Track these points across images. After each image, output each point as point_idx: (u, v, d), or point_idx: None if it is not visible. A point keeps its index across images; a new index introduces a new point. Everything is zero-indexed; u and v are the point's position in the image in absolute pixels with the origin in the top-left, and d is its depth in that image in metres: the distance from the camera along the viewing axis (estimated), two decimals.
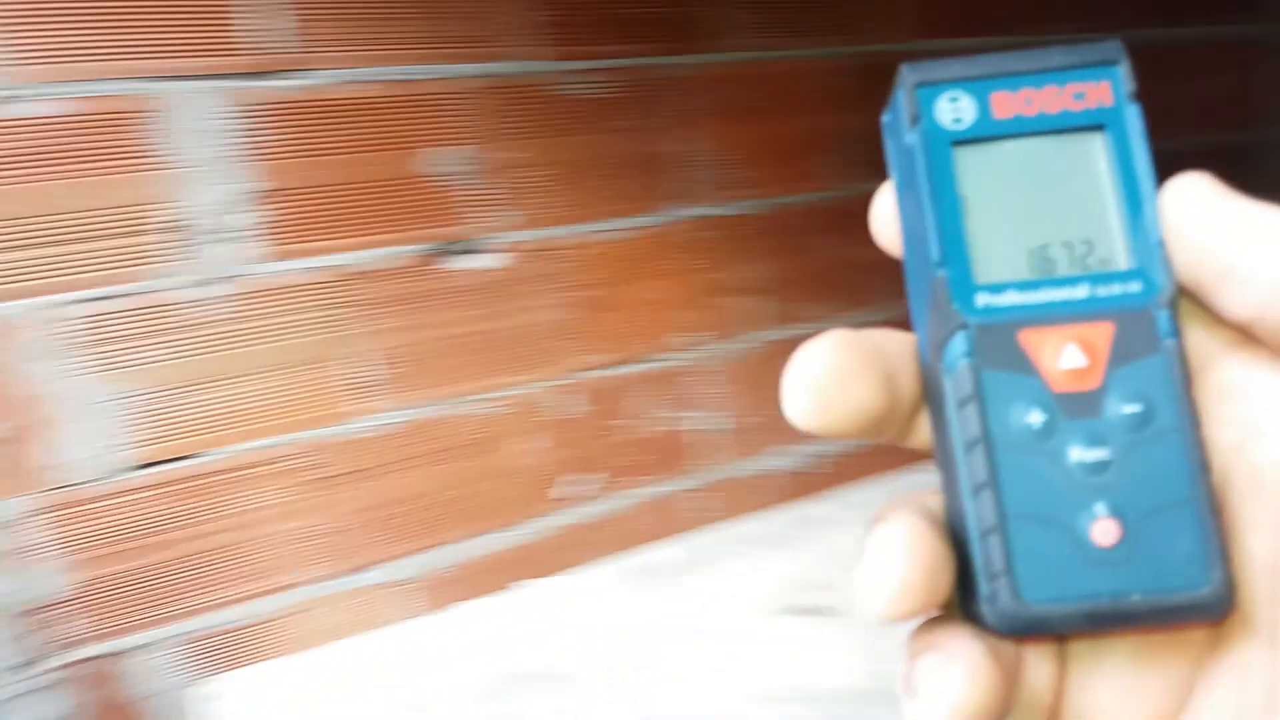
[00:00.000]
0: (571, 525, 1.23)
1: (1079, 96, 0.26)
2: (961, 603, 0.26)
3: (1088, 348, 0.25)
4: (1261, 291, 0.23)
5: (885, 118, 0.28)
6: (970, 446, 0.25)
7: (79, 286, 0.94)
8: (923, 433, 0.28)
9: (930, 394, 0.27)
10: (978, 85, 0.26)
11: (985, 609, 0.24)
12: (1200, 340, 0.26)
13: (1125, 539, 0.24)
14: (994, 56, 0.26)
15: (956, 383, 0.25)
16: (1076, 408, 0.25)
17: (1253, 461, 0.24)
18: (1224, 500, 0.25)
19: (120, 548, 1.03)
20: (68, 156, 0.91)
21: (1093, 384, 0.25)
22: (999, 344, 0.25)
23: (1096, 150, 0.26)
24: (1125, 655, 0.26)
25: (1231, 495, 0.25)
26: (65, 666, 1.05)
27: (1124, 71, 0.26)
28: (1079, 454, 0.24)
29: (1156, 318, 0.25)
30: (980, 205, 0.26)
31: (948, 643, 0.25)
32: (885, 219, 0.28)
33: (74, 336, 0.95)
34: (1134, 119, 0.26)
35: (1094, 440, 0.25)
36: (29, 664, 1.04)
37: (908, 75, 0.26)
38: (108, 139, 0.92)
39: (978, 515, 0.25)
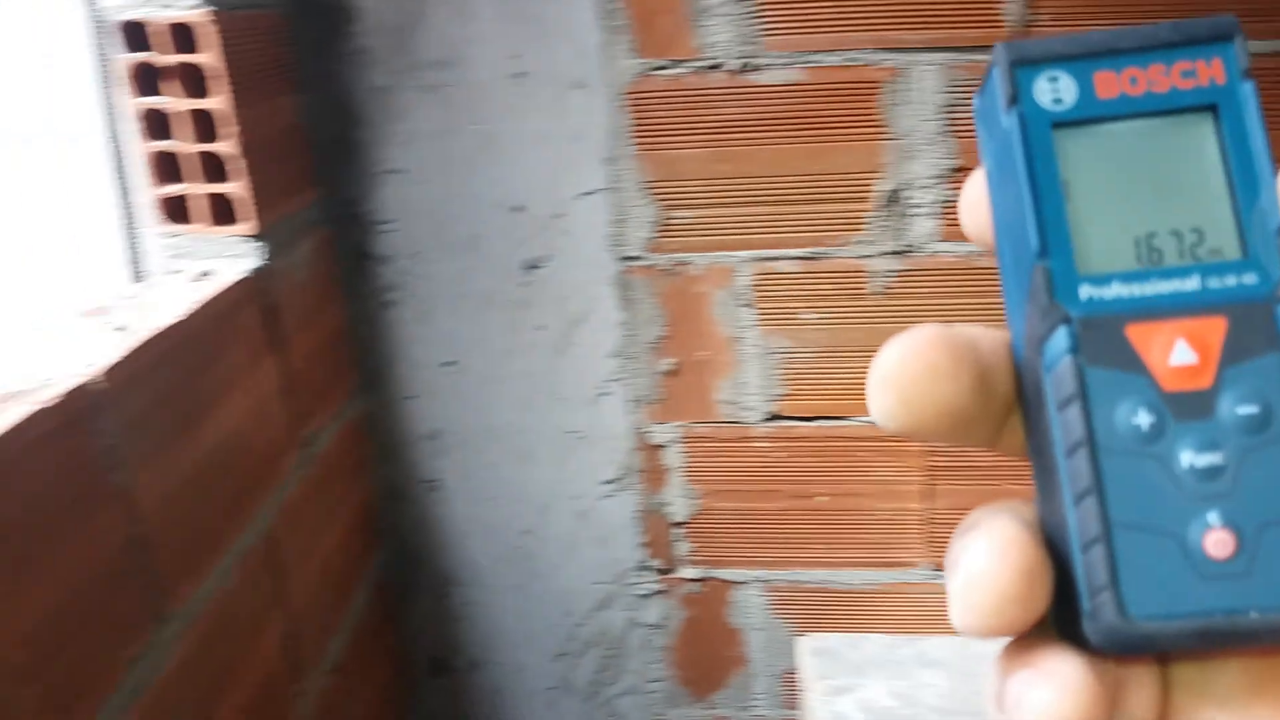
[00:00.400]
0: None
1: (1188, 75, 0.24)
2: (1055, 620, 0.24)
3: (1199, 343, 0.23)
4: None
5: (977, 101, 0.26)
6: (1072, 450, 0.23)
7: (792, 244, 0.97)
8: (1016, 436, 0.25)
9: (1027, 394, 0.25)
10: (1079, 64, 0.24)
11: (1088, 625, 0.22)
12: None
13: (1241, 551, 0.22)
14: (1098, 33, 0.24)
15: (1058, 381, 0.23)
16: (1188, 408, 0.23)
17: None
18: None
19: (742, 487, 1.09)
20: (802, 122, 0.92)
21: (1205, 383, 0.23)
22: (1104, 339, 0.23)
23: (1208, 132, 0.24)
24: (1238, 679, 0.24)
25: None
26: (677, 581, 1.14)
27: (1238, 47, 0.24)
28: (1190, 458, 0.23)
29: (1275, 312, 0.23)
30: (1083, 191, 0.24)
31: (1045, 660, 0.23)
32: (974, 206, 0.26)
33: (772, 289, 0.99)
34: (1249, 98, 0.24)
35: (1207, 444, 0.23)
36: (644, 569, 1.14)
37: (1003, 54, 0.24)
38: (839, 107, 0.92)
39: (1080, 524, 0.23)
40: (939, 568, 1.11)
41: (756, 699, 1.18)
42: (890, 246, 0.97)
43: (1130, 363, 0.23)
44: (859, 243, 0.97)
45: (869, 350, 1.03)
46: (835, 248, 0.98)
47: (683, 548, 1.13)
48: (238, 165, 0.75)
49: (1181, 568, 0.22)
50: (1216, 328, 0.23)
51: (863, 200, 0.96)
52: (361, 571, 1.06)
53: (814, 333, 1.02)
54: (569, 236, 1.01)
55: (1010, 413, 0.25)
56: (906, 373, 0.24)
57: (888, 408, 0.24)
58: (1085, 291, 0.24)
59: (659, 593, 1.15)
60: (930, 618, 1.12)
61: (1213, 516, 0.22)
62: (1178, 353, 0.23)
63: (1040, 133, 0.24)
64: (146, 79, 0.74)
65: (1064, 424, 0.23)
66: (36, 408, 0.55)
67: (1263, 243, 0.23)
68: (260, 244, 0.80)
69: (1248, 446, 0.23)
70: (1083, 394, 0.23)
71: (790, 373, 1.04)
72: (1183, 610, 0.22)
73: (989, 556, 0.23)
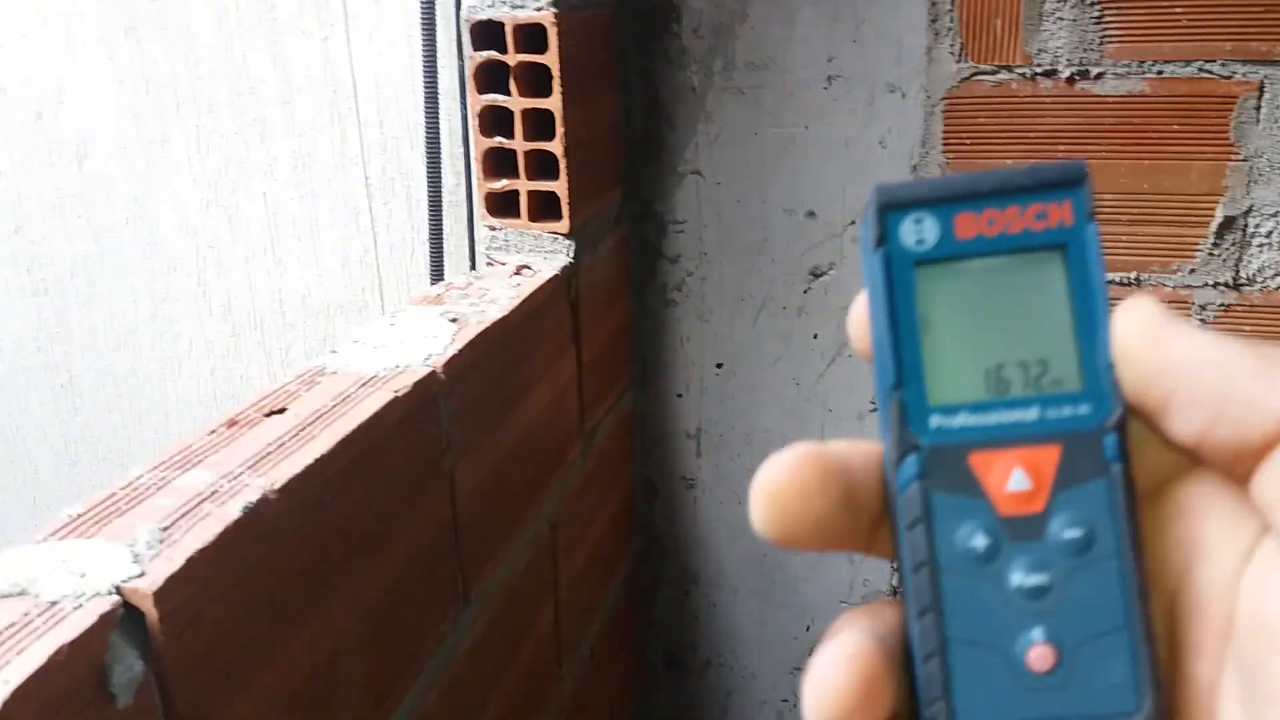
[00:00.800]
0: None
1: (1041, 216, 0.26)
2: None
3: (1034, 470, 0.25)
4: (1202, 416, 0.23)
5: (860, 231, 0.27)
6: (917, 568, 0.25)
7: (1109, 268, 0.91)
8: (887, 544, 0.26)
9: (888, 510, 0.26)
10: (942, 208, 0.26)
11: None
12: (1156, 461, 0.25)
13: (1061, 664, 0.24)
14: (963, 176, 0.26)
15: (907, 504, 0.25)
16: (1021, 531, 0.25)
17: (1197, 585, 0.24)
18: (1172, 622, 0.25)
19: None
20: (1137, 136, 0.85)
21: (1037, 507, 0.25)
22: (949, 466, 0.25)
23: (1056, 270, 0.26)
24: None
25: (1179, 618, 0.24)
26: None
27: (1086, 192, 0.26)
28: (1020, 579, 0.25)
29: (1103, 441, 0.25)
30: (939, 326, 0.26)
31: None
32: (859, 327, 0.27)
33: None
34: (1092, 239, 0.26)
35: (1035, 565, 0.25)
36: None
37: (875, 197, 0.26)
38: (1183, 122, 0.85)
39: (920, 639, 0.25)
40: None
41: None
42: (1222, 278, 0.89)
43: (971, 489, 0.25)
44: (1187, 271, 0.89)
45: None
46: (1158, 274, 0.90)
47: None
48: (563, 164, 0.76)
49: (1007, 680, 0.24)
50: (1050, 456, 0.25)
51: (1196, 225, 0.87)
52: (618, 562, 1.07)
53: None
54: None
55: (880, 523, 0.26)
56: (779, 489, 0.25)
57: (763, 520, 0.26)
58: (935, 421, 0.25)
59: None
60: None
61: (1037, 633, 0.24)
62: (1014, 479, 0.25)
63: (903, 271, 0.26)
64: (490, 77, 0.76)
65: (910, 544, 0.25)
66: (394, 395, 0.58)
67: (1097, 376, 0.25)
68: (571, 241, 0.81)
69: (1071, 568, 0.24)
70: (928, 517, 0.25)
71: None
72: (1006, 719, 0.24)
73: (834, 666, 0.24)
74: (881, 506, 0.26)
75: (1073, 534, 0.25)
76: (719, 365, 1.06)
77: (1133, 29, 0.83)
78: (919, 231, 0.26)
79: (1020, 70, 0.86)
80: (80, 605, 0.40)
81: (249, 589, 0.47)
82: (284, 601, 0.50)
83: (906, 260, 0.26)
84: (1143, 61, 0.83)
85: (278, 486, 0.48)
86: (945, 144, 0.91)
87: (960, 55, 0.87)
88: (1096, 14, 0.83)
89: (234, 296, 1.32)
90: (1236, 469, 0.23)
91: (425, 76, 1.02)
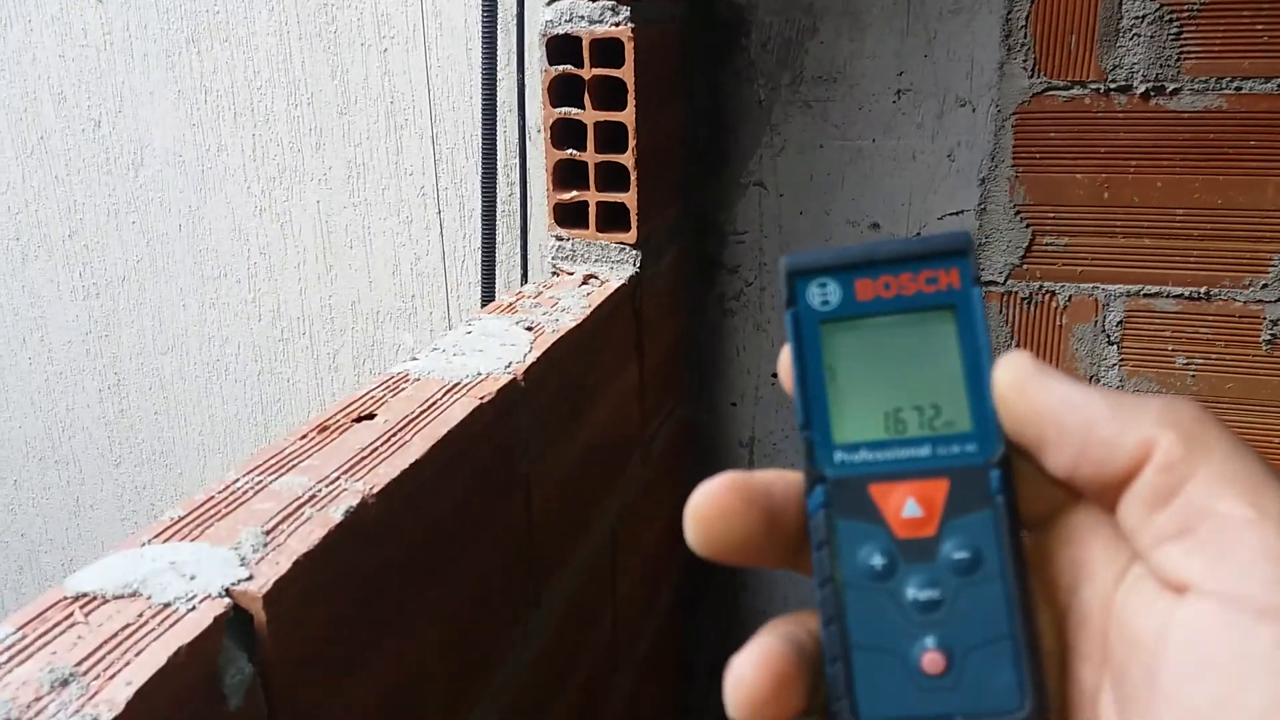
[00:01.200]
0: None
1: (931, 281, 0.29)
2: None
3: (925, 501, 0.28)
4: (1070, 455, 0.26)
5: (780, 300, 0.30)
6: (824, 583, 0.28)
7: (1178, 282, 0.90)
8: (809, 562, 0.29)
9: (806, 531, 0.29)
10: (843, 274, 0.29)
11: None
12: (1048, 494, 0.28)
13: (951, 668, 0.27)
14: (861, 247, 0.29)
15: (814, 528, 0.28)
16: (915, 553, 0.28)
17: (1083, 602, 0.27)
18: (1063, 635, 0.28)
19: None
20: (1213, 151, 0.85)
21: (929, 532, 0.28)
22: (851, 496, 0.28)
23: (946, 327, 0.29)
24: None
25: (1068, 629, 0.28)
26: None
27: (970, 260, 0.29)
28: (914, 593, 0.27)
29: (989, 476, 0.28)
30: (843, 374, 0.29)
31: None
32: (785, 373, 0.30)
33: (1146, 327, 0.92)
34: (977, 300, 0.29)
35: (928, 582, 0.27)
36: None
37: (785, 265, 0.30)
38: (1261, 137, 0.84)
39: (827, 644, 0.28)
40: None
41: None
42: None
43: (871, 515, 0.28)
44: (1259, 286, 0.88)
45: (1247, 404, 0.94)
46: (1228, 289, 0.89)
47: None
48: (634, 176, 0.76)
49: (903, 681, 0.27)
50: (940, 488, 0.28)
51: (1270, 240, 0.87)
52: (669, 570, 1.07)
53: (1186, 378, 0.94)
54: None
55: (801, 543, 0.29)
56: (705, 512, 0.29)
57: (692, 537, 0.29)
58: (839, 456, 0.29)
59: None
60: None
61: (930, 640, 0.27)
62: (908, 508, 0.28)
63: (811, 328, 0.29)
64: (562, 90, 0.76)
65: (818, 562, 0.28)
66: (479, 401, 0.58)
67: (983, 419, 0.28)
68: (638, 251, 0.81)
69: (960, 585, 0.27)
70: (832, 539, 0.28)
71: None
72: (902, 715, 0.27)
73: (749, 665, 0.27)
74: (804, 529, 0.29)
75: (961, 555, 0.28)
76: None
77: (1211, 46, 0.83)
78: (824, 294, 0.29)
79: (1094, 86, 0.85)
80: (194, 607, 0.41)
81: (347, 593, 0.47)
82: (377, 606, 0.50)
83: (813, 319, 0.29)
84: (1221, 78, 0.83)
85: (376, 490, 0.49)
86: (1015, 158, 0.90)
87: (1033, 70, 0.87)
88: (1175, 31, 0.82)
89: (283, 302, 1.33)
90: (1105, 500, 0.27)
91: (484, 88, 1.02)
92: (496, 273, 1.10)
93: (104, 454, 1.55)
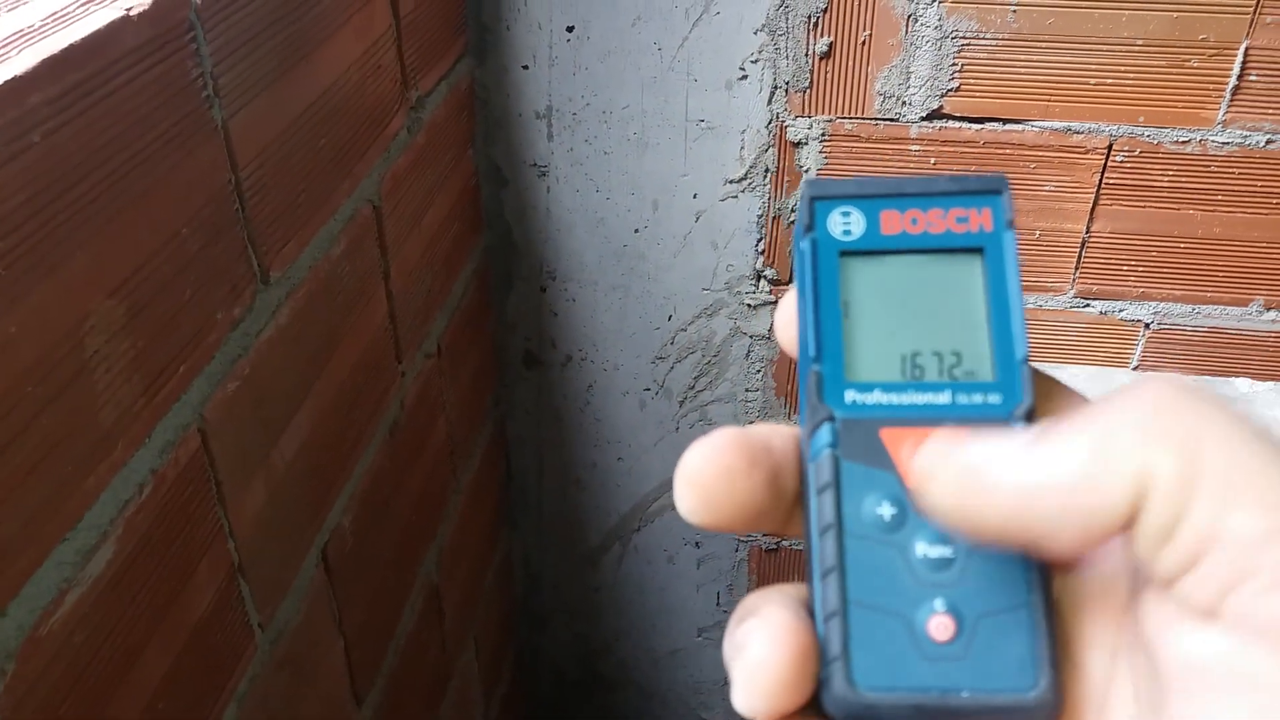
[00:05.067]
0: None
1: (961, 220, 0.27)
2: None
3: None
4: (1069, 542, 0.23)
5: (796, 229, 0.28)
6: (824, 531, 0.25)
7: None
8: (800, 525, 0.27)
9: (802, 484, 0.27)
10: (869, 203, 0.27)
11: (822, 691, 0.24)
12: None
13: (960, 636, 0.24)
14: (889, 179, 0.27)
15: (818, 470, 0.26)
16: None
17: (1098, 579, 0.24)
18: (1068, 616, 0.25)
19: None
20: None
21: None
22: (861, 438, 0.26)
23: (974, 271, 0.27)
24: None
25: (1077, 611, 0.25)
26: (786, 291, 1.06)
27: (1005, 200, 0.27)
28: (924, 549, 0.25)
29: (1013, 429, 0.25)
30: (860, 310, 0.27)
31: None
32: (786, 323, 0.28)
33: None
34: (1010, 244, 0.27)
35: (940, 538, 0.25)
36: (758, 278, 1.06)
37: (806, 189, 0.28)
38: None
39: (823, 599, 0.25)
40: (1087, 294, 1.01)
41: None
42: None
43: (881, 461, 0.26)
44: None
45: (1076, 42, 0.88)
46: None
47: None
48: None
49: (906, 646, 0.24)
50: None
51: None
52: (464, 256, 0.99)
53: (1010, 14, 0.87)
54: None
55: (798, 505, 0.27)
56: (706, 474, 0.26)
57: (690, 507, 0.26)
58: (850, 396, 0.26)
59: (769, 303, 1.07)
60: (1068, 347, 1.04)
61: (938, 603, 0.25)
62: None
63: (829, 257, 0.27)
64: None
65: (819, 508, 0.26)
66: (125, 13, 0.45)
67: (1009, 369, 0.26)
68: None
69: (976, 544, 0.25)
70: (836, 483, 0.26)
71: (969, 63, 0.90)
72: (903, 685, 0.24)
73: (769, 645, 0.24)
74: (800, 488, 0.27)
75: None
76: (570, 29, 0.94)
77: None
78: (846, 223, 0.27)
79: None
80: None
81: None
82: None
83: (832, 249, 0.27)
84: None
85: None
86: None
87: None
88: None
89: None
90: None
91: None
92: None
93: None
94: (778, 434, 0.27)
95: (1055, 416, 0.24)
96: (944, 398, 0.26)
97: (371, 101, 0.73)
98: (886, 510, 0.25)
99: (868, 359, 0.27)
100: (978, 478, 0.23)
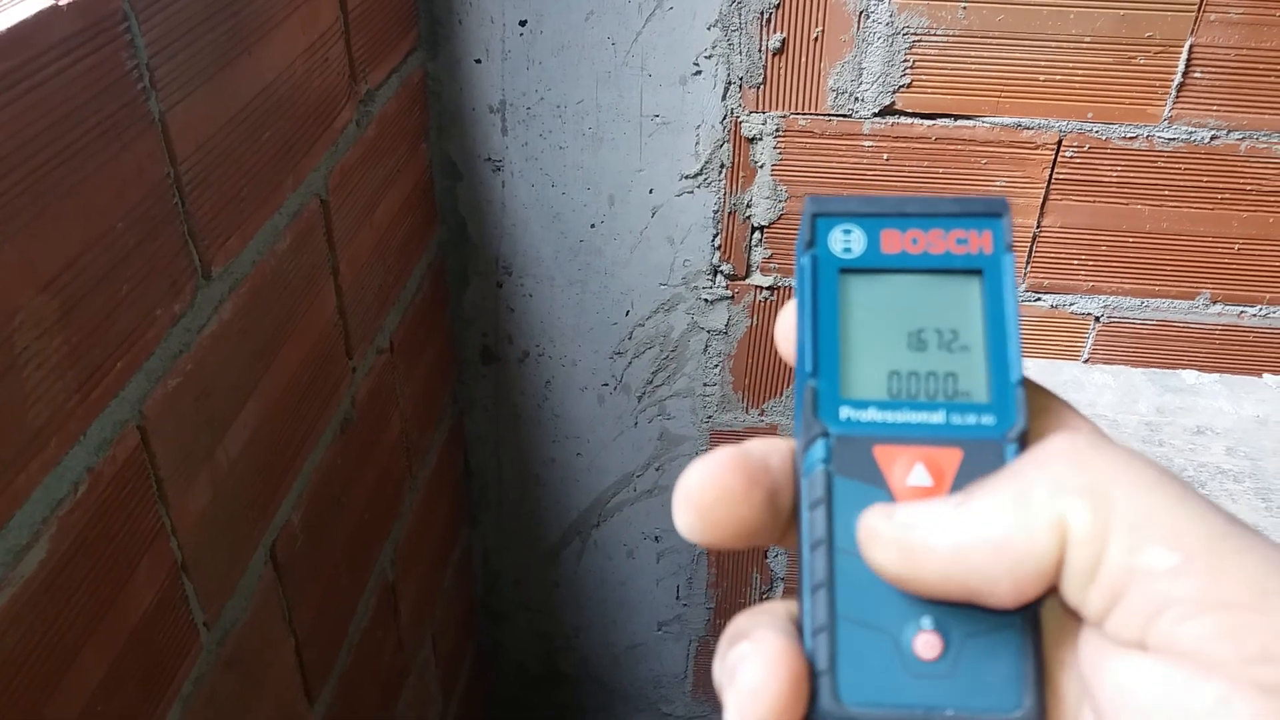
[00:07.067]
0: None
1: (961, 241, 0.27)
2: None
3: (935, 469, 0.26)
4: (1007, 591, 0.23)
5: (797, 244, 0.29)
6: (815, 546, 0.26)
7: None
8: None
9: (796, 498, 0.27)
10: (870, 221, 0.27)
11: (810, 705, 0.25)
12: None
13: (946, 654, 0.25)
14: (891, 198, 0.27)
15: (810, 485, 0.26)
16: None
17: (1069, 603, 0.24)
18: (1045, 638, 0.25)
19: (837, 191, 0.99)
20: None
21: None
22: (854, 455, 0.26)
23: (972, 292, 0.27)
24: None
25: (1052, 634, 0.25)
26: (747, 288, 1.07)
27: (1005, 223, 0.27)
28: None
29: (1005, 450, 0.26)
30: (857, 328, 0.27)
31: None
32: (785, 335, 0.28)
33: None
34: (1009, 267, 0.27)
35: None
36: (714, 274, 1.06)
37: (808, 206, 0.28)
38: None
39: (812, 613, 0.25)
40: (1038, 288, 1.02)
41: None
42: None
43: (873, 477, 0.26)
44: None
45: (1026, 39, 0.89)
46: None
47: (759, 254, 1.04)
48: None
49: (893, 663, 0.25)
50: (953, 457, 0.26)
51: None
52: (417, 251, 0.98)
53: (961, 11, 0.87)
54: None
55: (795, 517, 0.27)
56: (707, 495, 0.26)
57: (690, 527, 0.26)
58: (844, 412, 0.26)
59: (726, 299, 1.08)
60: (1023, 340, 1.05)
61: (925, 620, 0.25)
62: (915, 474, 0.26)
63: (829, 274, 0.27)
64: None
65: (811, 523, 0.26)
66: (52, 2, 0.44)
67: (1004, 392, 0.26)
68: None
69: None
70: (829, 499, 0.26)
71: (920, 59, 0.90)
72: (889, 702, 0.24)
73: (763, 673, 0.24)
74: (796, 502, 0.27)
75: None
76: (523, 23, 0.93)
77: None
78: (847, 240, 0.27)
79: None
80: None
81: None
82: None
83: (833, 265, 0.27)
84: None
85: None
86: None
87: None
88: None
89: None
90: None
91: None
92: None
93: None
94: (776, 450, 0.28)
95: (1047, 436, 0.25)
96: (938, 417, 0.26)
97: (318, 94, 0.72)
98: None
99: (863, 376, 0.27)
100: (913, 540, 0.24)
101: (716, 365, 1.13)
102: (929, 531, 0.24)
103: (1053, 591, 0.24)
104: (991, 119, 0.93)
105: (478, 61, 0.96)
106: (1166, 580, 0.22)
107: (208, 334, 0.60)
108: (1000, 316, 0.27)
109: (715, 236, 1.04)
